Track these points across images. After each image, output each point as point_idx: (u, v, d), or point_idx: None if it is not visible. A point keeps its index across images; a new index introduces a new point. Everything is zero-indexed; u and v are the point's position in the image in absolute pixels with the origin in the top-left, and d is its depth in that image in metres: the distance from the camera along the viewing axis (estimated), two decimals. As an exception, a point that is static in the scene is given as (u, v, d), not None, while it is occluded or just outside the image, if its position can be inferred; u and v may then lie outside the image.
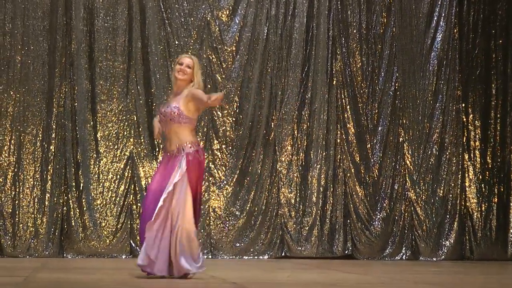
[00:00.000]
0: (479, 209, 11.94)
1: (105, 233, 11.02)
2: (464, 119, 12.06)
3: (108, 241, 11.02)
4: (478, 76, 12.10)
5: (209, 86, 11.44)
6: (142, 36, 11.33)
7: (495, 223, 11.94)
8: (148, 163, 11.16)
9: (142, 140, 11.21)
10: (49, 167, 10.97)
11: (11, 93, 11.04)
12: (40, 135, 11.01)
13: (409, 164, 11.83)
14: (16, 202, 10.89)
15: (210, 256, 11.08)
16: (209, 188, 11.28)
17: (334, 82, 11.77)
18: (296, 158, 11.58)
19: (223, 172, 11.41)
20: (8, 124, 11.00)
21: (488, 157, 12.02)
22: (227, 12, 11.60)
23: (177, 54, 11.33)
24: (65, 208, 11.00)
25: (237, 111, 11.51)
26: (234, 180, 11.42)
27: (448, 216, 11.85)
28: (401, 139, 11.87)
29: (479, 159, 12.00)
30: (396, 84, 11.91)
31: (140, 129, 11.19)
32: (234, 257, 11.23)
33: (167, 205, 6.94)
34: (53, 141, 11.04)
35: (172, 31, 11.39)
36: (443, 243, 11.79)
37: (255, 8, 11.62)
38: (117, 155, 11.17)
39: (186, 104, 7.03)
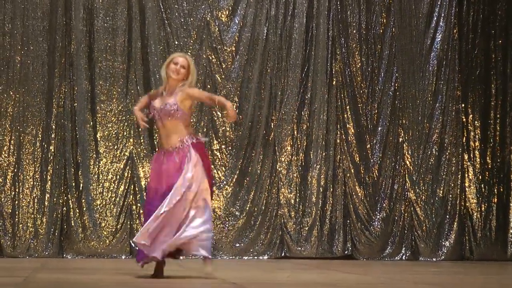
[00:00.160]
0: (479, 209, 11.94)
1: (105, 233, 11.02)
2: (464, 120, 12.06)
3: (107, 241, 11.02)
4: (477, 76, 12.10)
5: (208, 86, 11.44)
6: (141, 36, 11.33)
7: (495, 223, 11.94)
8: (148, 163, 11.15)
9: (142, 141, 11.21)
10: (49, 168, 10.97)
11: (11, 93, 11.04)
12: (40, 135, 11.01)
13: (408, 165, 11.83)
14: (16, 202, 10.88)
15: (210, 257, 11.05)
16: (208, 189, 11.27)
17: (334, 82, 11.77)
18: (295, 158, 11.58)
19: (223, 172, 11.41)
20: (8, 124, 11.00)
21: (487, 158, 12.02)
22: (227, 13, 11.60)
23: (177, 54, 11.33)
24: (64, 208, 11.00)
25: (237, 111, 11.50)
26: (234, 180, 11.42)
27: (447, 217, 11.86)
28: (400, 139, 11.87)
29: (478, 160, 12.00)
30: (396, 85, 11.91)
31: (140, 129, 11.18)
32: (233, 257, 11.23)
33: (183, 199, 6.95)
34: (53, 142, 11.04)
35: (172, 31, 11.39)
36: (443, 243, 11.79)
37: (255, 8, 11.62)
38: (117, 156, 11.17)
39: (182, 101, 7.13)
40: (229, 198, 11.39)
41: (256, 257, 11.31)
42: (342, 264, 10.49)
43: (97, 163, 11.10)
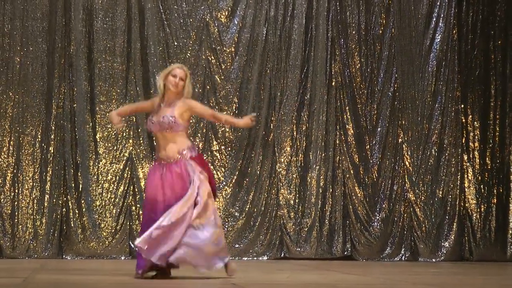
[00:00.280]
0: (478, 210, 11.94)
1: (104, 234, 11.01)
2: (463, 120, 12.07)
3: (107, 242, 11.01)
4: (477, 77, 12.10)
5: (208, 87, 11.44)
6: (141, 37, 11.33)
7: (494, 224, 11.94)
8: (147, 164, 11.15)
9: (141, 141, 11.21)
10: (48, 168, 10.97)
11: (10, 94, 11.04)
12: (39, 136, 11.01)
13: (408, 165, 11.84)
14: (15, 203, 10.88)
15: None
16: (208, 189, 11.27)
17: (333, 83, 11.77)
18: (295, 159, 11.58)
19: (222, 173, 11.41)
20: (7, 125, 10.99)
21: (487, 158, 12.02)
22: (226, 13, 11.60)
23: (176, 55, 11.35)
24: (64, 209, 11.00)
25: (236, 112, 11.50)
26: (233, 181, 11.42)
27: (447, 217, 11.86)
28: (400, 140, 11.87)
29: (478, 160, 12.00)
30: (395, 85, 11.92)
31: (139, 130, 11.19)
32: (233, 258, 11.21)
33: (189, 214, 7.02)
34: (52, 142, 11.04)
35: (171, 32, 11.39)
36: (442, 244, 11.79)
37: (254, 9, 11.62)
38: (116, 156, 11.17)
39: (181, 114, 7.20)
40: (229, 199, 11.39)
41: (255, 258, 11.32)
42: (342, 264, 10.49)
43: (96, 164, 11.10)
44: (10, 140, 10.97)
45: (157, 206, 7.12)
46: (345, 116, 11.76)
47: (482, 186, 11.97)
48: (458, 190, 11.92)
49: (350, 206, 11.64)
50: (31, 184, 10.93)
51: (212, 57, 11.51)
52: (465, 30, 12.13)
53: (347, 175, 11.69)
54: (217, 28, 11.52)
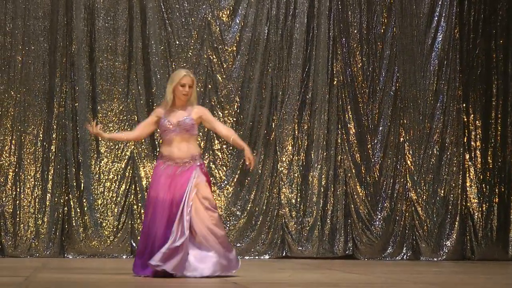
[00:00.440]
0: (480, 209, 11.94)
1: (106, 233, 11.02)
2: (465, 119, 12.06)
3: (109, 241, 11.02)
4: (478, 76, 12.09)
5: (209, 86, 11.44)
6: (142, 36, 11.33)
7: (496, 223, 11.94)
8: (149, 163, 11.16)
9: (143, 140, 11.21)
10: (50, 167, 10.97)
11: (12, 93, 11.04)
12: (41, 135, 11.02)
13: (409, 164, 11.83)
14: (17, 202, 10.89)
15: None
16: (209, 188, 11.27)
17: (335, 82, 11.77)
18: (296, 158, 11.58)
19: (224, 172, 11.41)
20: (9, 124, 11.00)
21: (489, 157, 12.01)
22: (228, 12, 11.60)
23: (178, 54, 11.35)
24: (66, 208, 11.00)
25: (238, 111, 11.51)
26: (235, 180, 11.42)
27: (449, 216, 11.85)
28: (401, 139, 11.87)
29: (480, 159, 12.00)
30: (397, 84, 11.91)
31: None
32: (234, 257, 11.21)
33: (188, 218, 7.14)
34: (54, 141, 11.04)
35: (173, 31, 11.39)
36: (444, 243, 11.79)
37: (256, 8, 11.62)
38: (118, 155, 11.17)
39: (196, 119, 7.41)
40: (230, 197, 11.39)
41: (257, 257, 11.31)
42: (343, 264, 10.49)
43: (98, 163, 11.11)
44: (12, 139, 10.97)
45: (158, 205, 7.17)
46: (346, 115, 11.76)
47: (484, 185, 11.96)
48: (459, 189, 11.92)
49: (352, 205, 11.64)
50: (32, 183, 10.94)
51: (214, 56, 11.51)
52: (467, 29, 12.11)
53: (349, 174, 11.68)
54: (218, 27, 11.52)
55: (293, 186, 11.54)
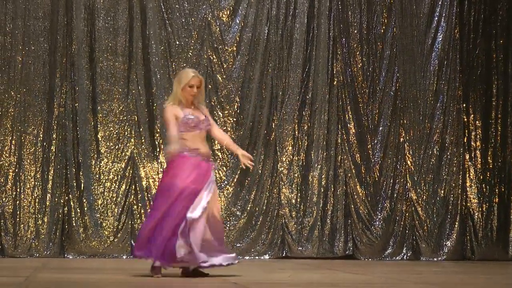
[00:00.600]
0: (480, 209, 11.93)
1: (106, 233, 11.02)
2: (465, 119, 12.05)
3: (109, 241, 11.01)
4: (479, 76, 12.09)
5: (210, 86, 11.44)
6: (142, 37, 11.33)
7: (496, 223, 11.94)
8: (149, 163, 11.16)
9: (143, 140, 11.21)
10: (50, 167, 10.97)
11: (12, 93, 11.04)
12: (41, 136, 11.01)
13: (410, 164, 11.83)
14: (17, 202, 10.89)
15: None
16: (210, 188, 11.26)
17: (335, 82, 11.77)
18: (297, 158, 11.58)
19: (224, 172, 11.41)
20: (9, 124, 11.00)
21: (489, 157, 12.01)
22: (228, 13, 11.60)
23: (178, 54, 11.35)
24: (66, 208, 11.00)
25: (238, 111, 11.51)
26: (235, 180, 11.41)
27: (449, 216, 11.85)
28: (402, 139, 11.87)
29: (480, 159, 11.99)
30: (397, 84, 11.91)
31: (141, 129, 11.20)
32: (235, 257, 11.21)
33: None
34: (54, 142, 11.04)
35: (173, 31, 11.39)
36: (444, 243, 11.78)
37: (256, 8, 11.62)
38: (118, 155, 11.17)
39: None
40: (230, 198, 11.39)
41: (257, 257, 11.31)
42: (343, 264, 10.49)
43: (98, 163, 11.10)
44: (12, 139, 10.97)
45: (183, 194, 7.29)
46: (346, 115, 11.76)
47: (484, 185, 11.96)
48: (459, 189, 11.91)
49: (352, 205, 11.63)
50: (33, 183, 10.93)
51: (214, 56, 11.51)
52: (467, 29, 12.11)
53: (349, 174, 11.68)
54: (219, 27, 11.52)
55: (293, 186, 11.54)
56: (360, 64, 11.84)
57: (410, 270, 9.40)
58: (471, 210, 11.93)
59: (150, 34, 11.32)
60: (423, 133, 11.90)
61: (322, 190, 11.56)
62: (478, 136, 12.04)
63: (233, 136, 11.41)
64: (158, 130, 11.21)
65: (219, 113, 11.42)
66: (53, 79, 11.10)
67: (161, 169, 11.11)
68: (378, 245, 11.64)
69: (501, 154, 12.02)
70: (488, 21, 12.13)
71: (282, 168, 11.55)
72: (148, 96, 11.27)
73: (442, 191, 11.86)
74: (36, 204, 10.90)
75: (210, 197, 7.37)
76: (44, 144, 11.00)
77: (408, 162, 11.84)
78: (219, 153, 11.41)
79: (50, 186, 10.95)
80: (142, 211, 11.01)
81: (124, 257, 10.96)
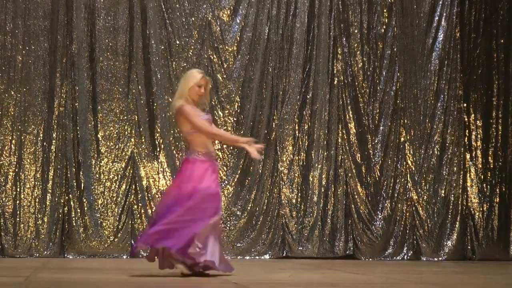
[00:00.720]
0: (481, 209, 11.93)
1: (106, 233, 11.01)
2: (466, 119, 12.05)
3: (109, 241, 11.01)
4: (479, 75, 12.09)
5: (210, 86, 11.41)
6: (143, 36, 11.32)
7: (497, 223, 11.93)
8: (149, 163, 11.15)
9: (143, 140, 11.21)
10: (50, 167, 10.97)
11: (12, 93, 11.03)
12: (41, 135, 11.01)
13: (410, 164, 11.82)
14: (17, 202, 10.88)
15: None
16: (210, 188, 11.25)
17: (335, 82, 11.76)
18: (297, 158, 11.57)
19: (224, 172, 11.40)
20: (9, 124, 10.99)
21: (489, 157, 12.01)
22: (228, 12, 11.59)
23: (178, 54, 11.34)
24: (66, 208, 10.99)
25: (238, 111, 11.50)
26: (236, 180, 11.41)
27: (449, 216, 11.84)
28: (402, 139, 11.86)
29: (480, 159, 11.99)
30: (398, 84, 11.90)
31: (141, 129, 11.19)
32: (235, 257, 11.21)
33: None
34: (54, 141, 11.04)
35: (173, 31, 11.38)
36: (445, 243, 11.78)
37: (256, 8, 11.61)
38: (118, 155, 11.16)
39: None
40: (231, 197, 11.39)
41: (257, 257, 11.31)
42: (344, 264, 10.48)
43: (98, 162, 11.10)
44: (12, 139, 10.97)
45: (214, 197, 7.36)
46: (347, 115, 11.75)
47: (484, 185, 11.96)
48: (460, 189, 11.91)
49: (352, 205, 11.63)
50: (33, 183, 10.93)
51: (214, 56, 11.50)
52: (468, 29, 12.11)
53: (349, 174, 11.68)
54: (219, 27, 11.52)
55: (294, 186, 11.53)
56: (361, 63, 11.83)
57: (411, 270, 9.39)
58: (471, 210, 11.92)
59: (150, 33, 11.31)
60: (423, 133, 11.89)
61: (323, 190, 11.55)
62: (478, 136, 12.03)
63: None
64: (159, 130, 11.21)
65: (220, 112, 11.41)
66: (53, 78, 11.09)
67: (161, 169, 11.12)
68: (378, 245, 11.64)
69: (501, 154, 12.01)
70: (488, 21, 12.12)
71: (283, 168, 11.54)
72: (149, 95, 11.27)
73: (443, 191, 11.85)
74: (36, 204, 10.90)
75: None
76: (44, 143, 11.00)
77: (409, 162, 11.83)
78: (220, 153, 11.40)
79: (50, 186, 10.94)
80: (142, 211, 11.01)
81: (124, 257, 10.95)
